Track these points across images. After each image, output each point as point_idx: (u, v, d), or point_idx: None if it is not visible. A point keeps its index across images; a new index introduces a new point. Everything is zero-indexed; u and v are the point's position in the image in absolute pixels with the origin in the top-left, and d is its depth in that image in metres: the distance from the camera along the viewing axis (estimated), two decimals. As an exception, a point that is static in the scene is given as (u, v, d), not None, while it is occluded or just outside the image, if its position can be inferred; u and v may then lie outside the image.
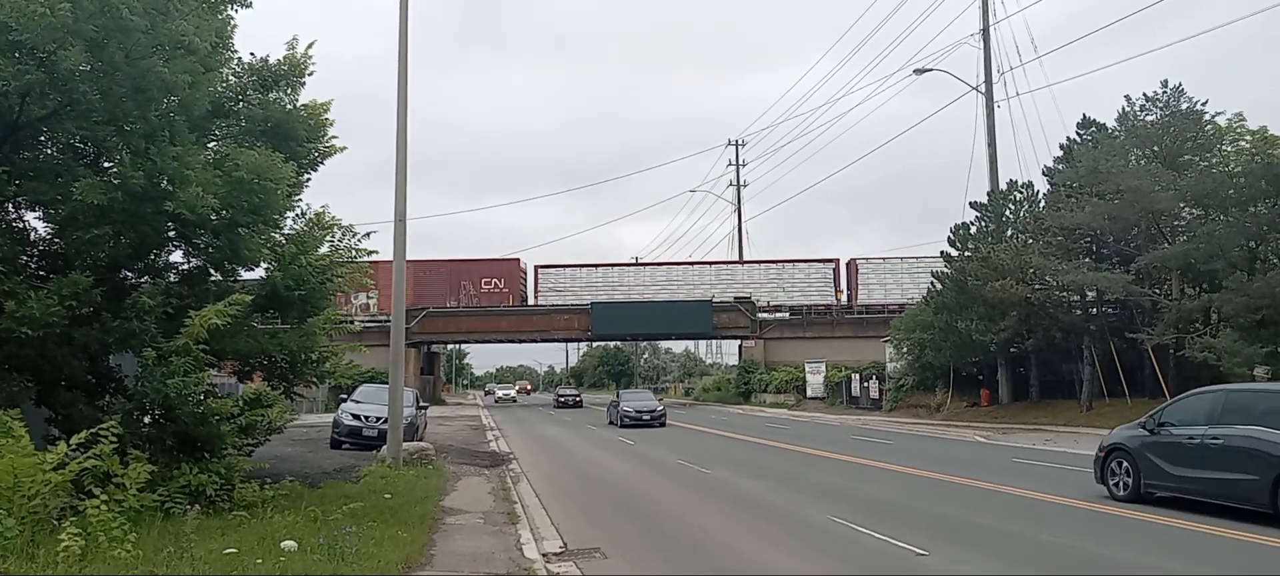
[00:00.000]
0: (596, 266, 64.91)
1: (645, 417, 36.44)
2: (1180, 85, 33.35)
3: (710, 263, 66.56)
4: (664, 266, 66.24)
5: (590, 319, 63.09)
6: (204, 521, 9.76)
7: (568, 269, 64.88)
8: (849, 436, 29.91)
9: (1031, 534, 11.53)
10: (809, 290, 63.25)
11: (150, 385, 11.12)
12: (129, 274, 13.35)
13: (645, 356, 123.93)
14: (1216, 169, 30.98)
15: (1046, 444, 25.90)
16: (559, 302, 63.68)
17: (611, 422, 38.25)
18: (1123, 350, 33.36)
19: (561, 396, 64.62)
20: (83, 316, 11.60)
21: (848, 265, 64.09)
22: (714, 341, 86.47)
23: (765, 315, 63.09)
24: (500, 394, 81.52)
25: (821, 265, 64.53)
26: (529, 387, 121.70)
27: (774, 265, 64.90)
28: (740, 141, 73.88)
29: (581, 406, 59.79)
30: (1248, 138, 32.17)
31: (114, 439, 9.56)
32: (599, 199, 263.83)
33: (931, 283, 42.19)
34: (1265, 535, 10.87)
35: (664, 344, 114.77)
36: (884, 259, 64.00)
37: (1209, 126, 32.56)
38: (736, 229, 72.82)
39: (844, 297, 63.51)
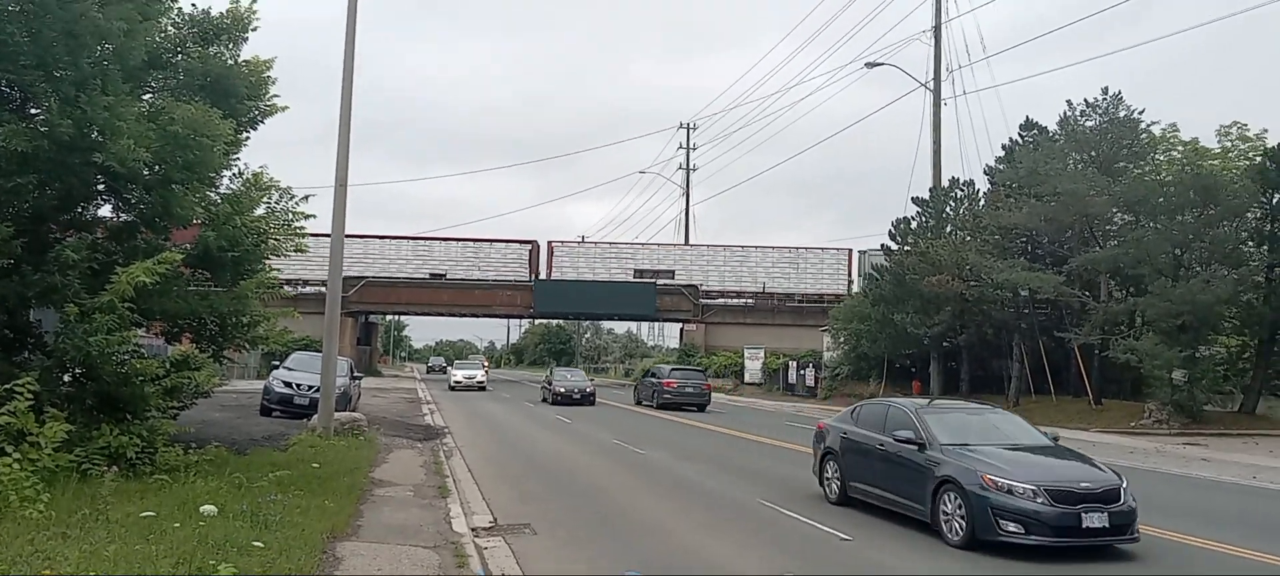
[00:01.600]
0: None
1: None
2: (1119, 93, 34.41)
3: (408, 237, 66.16)
4: (361, 239, 63.26)
5: (533, 296, 62.87)
6: (122, 484, 9.53)
7: None
8: (783, 422, 30.30)
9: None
10: (504, 269, 64.60)
11: (71, 342, 10.78)
12: (54, 226, 12.88)
13: (587, 336, 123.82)
14: (1149, 176, 31.95)
15: (974, 437, 26.48)
16: (497, 278, 63.38)
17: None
18: (1051, 348, 34.32)
19: (562, 387, 37.37)
20: (1, 268, 11.20)
21: (547, 246, 66.11)
22: (656, 324, 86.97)
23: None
24: (460, 376, 48.77)
25: (519, 246, 66.35)
26: (487, 363, 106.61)
27: (471, 243, 65.94)
28: (691, 125, 74.00)
29: (593, 403, 36.64)
30: (1180, 148, 33.22)
31: (30, 396, 9.28)
32: (549, 175, 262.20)
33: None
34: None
35: (606, 324, 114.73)
36: (579, 242, 68.27)
37: (1144, 135, 33.55)
38: (683, 212, 73.15)
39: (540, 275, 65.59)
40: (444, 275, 63.02)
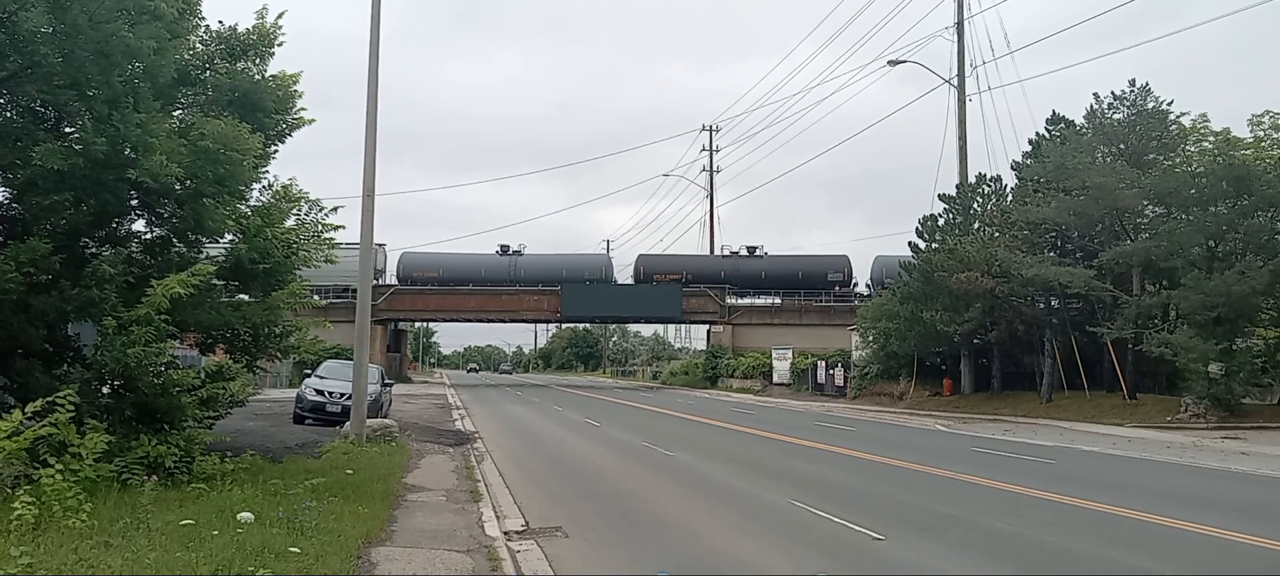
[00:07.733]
0: None
1: None
2: (1147, 85, 33.95)
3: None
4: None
5: (560, 300, 63.01)
6: (162, 493, 9.68)
7: None
8: (812, 422, 30.19)
9: (987, 522, 11.73)
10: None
11: (109, 354, 10.98)
12: (90, 242, 13.14)
13: (614, 339, 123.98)
14: (1179, 168, 31.53)
15: (1006, 434, 26.31)
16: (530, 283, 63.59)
17: None
18: (1083, 344, 33.92)
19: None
20: (41, 284, 11.42)
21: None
22: (683, 326, 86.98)
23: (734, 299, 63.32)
24: (474, 368, 64.98)
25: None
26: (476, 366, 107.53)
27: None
28: (715, 127, 74.29)
29: None
30: (1211, 138, 32.73)
31: (71, 408, 9.40)
32: (580, 181, 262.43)
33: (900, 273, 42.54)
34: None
35: (633, 327, 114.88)
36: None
37: (1174, 126, 33.11)
38: (708, 214, 73.22)
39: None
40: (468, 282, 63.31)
